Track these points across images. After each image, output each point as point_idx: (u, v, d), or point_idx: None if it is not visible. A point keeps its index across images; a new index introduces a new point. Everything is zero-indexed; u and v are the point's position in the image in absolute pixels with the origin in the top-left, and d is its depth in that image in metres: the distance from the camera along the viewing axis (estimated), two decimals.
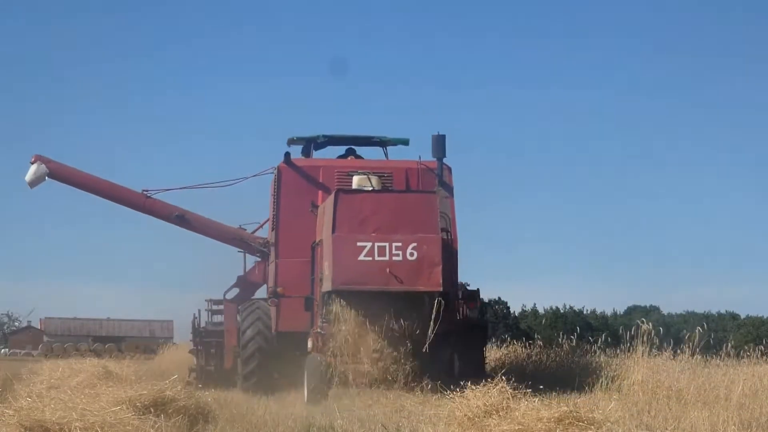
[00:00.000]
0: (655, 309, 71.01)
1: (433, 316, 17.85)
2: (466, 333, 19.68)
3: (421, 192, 19.94)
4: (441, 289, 18.05)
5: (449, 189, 21.09)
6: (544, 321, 55.90)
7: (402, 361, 18.02)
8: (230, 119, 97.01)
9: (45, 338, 65.97)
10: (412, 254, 17.93)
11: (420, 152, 21.60)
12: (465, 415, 10.95)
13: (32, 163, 23.93)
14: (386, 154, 23.17)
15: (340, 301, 18.32)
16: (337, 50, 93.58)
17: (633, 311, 68.59)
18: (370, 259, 17.86)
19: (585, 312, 64.88)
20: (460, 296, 20.72)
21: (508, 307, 58.55)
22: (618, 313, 70.75)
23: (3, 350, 62.73)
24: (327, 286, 18.58)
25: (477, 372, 18.59)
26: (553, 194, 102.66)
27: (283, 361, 20.81)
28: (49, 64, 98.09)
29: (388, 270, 17.85)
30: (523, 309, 63.38)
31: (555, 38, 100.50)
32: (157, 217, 24.47)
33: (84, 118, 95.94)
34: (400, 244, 17.93)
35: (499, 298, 58.12)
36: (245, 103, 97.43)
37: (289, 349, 20.79)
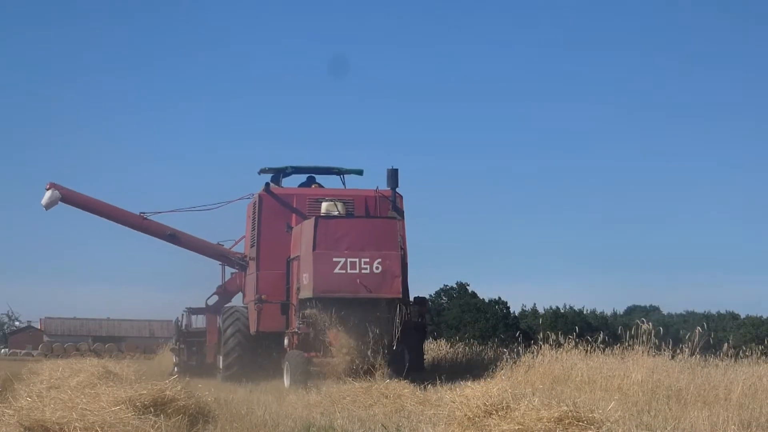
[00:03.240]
0: (655, 309, 70.91)
1: (397, 319, 21.69)
2: (411, 332, 23.21)
3: (385, 218, 23.89)
4: (401, 296, 22.02)
5: (401, 213, 24.94)
6: (542, 321, 55.78)
7: (367, 355, 21.48)
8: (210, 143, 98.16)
9: (45, 338, 65.88)
10: (377, 268, 21.80)
11: (377, 181, 25.67)
12: (465, 415, 10.94)
13: (47, 189, 27.47)
14: (344, 182, 27.13)
15: (318, 306, 21.85)
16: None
17: (633, 311, 68.44)
18: (344, 271, 21.70)
19: (585, 312, 64.74)
20: (413, 302, 24.16)
21: (508, 307, 58.41)
22: (618, 313, 70.69)
23: (3, 350, 62.63)
24: (307, 293, 22.14)
25: (419, 364, 23.29)
26: (553, 195, 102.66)
27: (259, 356, 25.03)
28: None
29: (358, 280, 21.68)
30: (523, 309, 63.30)
31: (538, 49, 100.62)
32: (152, 235, 28.33)
33: (90, 142, 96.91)
34: (367, 259, 21.80)
35: (499, 298, 57.99)
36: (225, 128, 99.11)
37: (267, 345, 24.92)
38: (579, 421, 10.17)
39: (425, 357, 26.13)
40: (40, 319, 70.43)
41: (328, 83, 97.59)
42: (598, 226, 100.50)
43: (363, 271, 21.73)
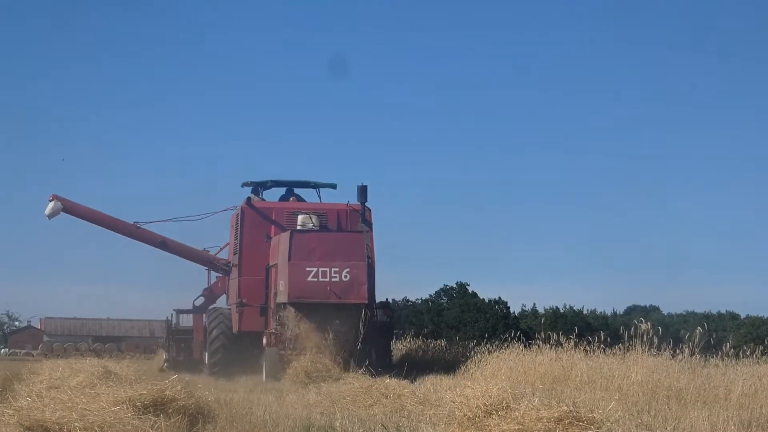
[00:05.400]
0: (655, 309, 70.96)
1: (361, 321, 24.15)
2: (378, 332, 25.73)
3: (352, 231, 26.38)
4: (366, 301, 24.68)
5: (369, 225, 27.46)
6: (543, 321, 55.79)
7: (336, 353, 23.79)
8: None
9: (45, 338, 65.91)
10: (346, 276, 24.38)
11: (348, 196, 28.52)
12: (465, 415, 10.92)
13: (50, 201, 29.97)
14: (319, 196, 30.12)
15: (293, 309, 24.60)
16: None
17: (633, 311, 68.49)
18: (316, 279, 24.30)
19: (585, 312, 64.73)
20: (378, 306, 26.45)
21: (508, 307, 58.41)
22: (618, 313, 70.71)
23: (3, 350, 62.62)
24: (283, 298, 24.79)
25: (387, 361, 25.66)
26: (553, 195, 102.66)
27: (241, 353, 27.42)
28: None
29: (328, 288, 24.27)
30: (523, 309, 63.30)
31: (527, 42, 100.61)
32: (145, 243, 30.83)
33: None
34: (337, 268, 24.38)
35: (500, 298, 57.99)
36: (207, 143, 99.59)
37: (248, 343, 27.36)
38: (579, 421, 10.15)
39: (393, 354, 29.04)
40: (40, 319, 70.48)
41: (323, 84, 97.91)
42: (599, 227, 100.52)
43: (333, 279, 24.32)
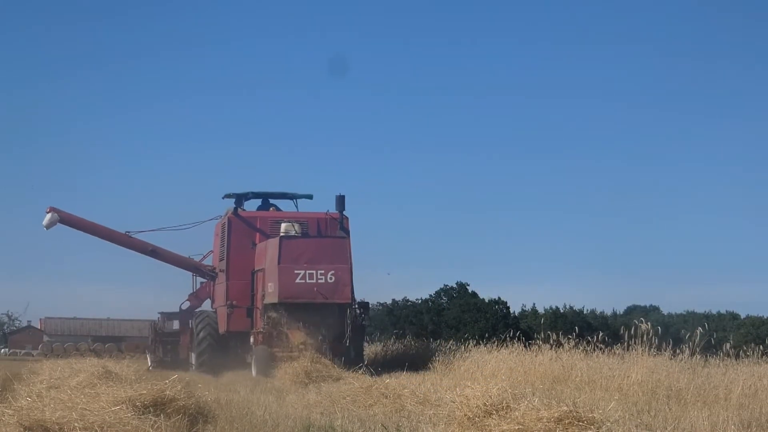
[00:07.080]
0: (655, 309, 70.89)
1: (348, 320, 26.51)
2: (357, 331, 27.56)
3: (336, 237, 28.41)
4: (350, 301, 26.95)
5: (347, 233, 29.18)
6: (543, 321, 55.72)
7: (320, 350, 25.70)
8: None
9: (45, 338, 65.82)
10: (331, 278, 26.52)
11: (327, 205, 30.45)
12: (465, 415, 10.92)
13: (47, 212, 31.95)
14: (296, 206, 32.16)
15: (281, 309, 26.66)
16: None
17: (633, 311, 68.39)
18: (303, 281, 26.40)
19: (585, 312, 64.61)
20: (357, 306, 28.19)
21: (508, 307, 58.30)
22: (618, 313, 70.60)
23: (3, 350, 62.58)
24: (273, 299, 26.86)
25: (359, 358, 27.27)
26: (553, 194, 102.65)
27: (225, 352, 29.67)
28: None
29: (315, 289, 26.40)
30: (522, 309, 63.16)
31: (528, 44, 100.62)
32: (136, 251, 33.04)
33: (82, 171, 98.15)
34: (323, 271, 26.53)
35: (499, 298, 57.87)
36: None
37: (233, 343, 29.85)
38: (579, 421, 10.15)
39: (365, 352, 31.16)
40: (40, 319, 70.39)
41: (323, 85, 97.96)
42: (599, 226, 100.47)
43: (319, 281, 26.36)
